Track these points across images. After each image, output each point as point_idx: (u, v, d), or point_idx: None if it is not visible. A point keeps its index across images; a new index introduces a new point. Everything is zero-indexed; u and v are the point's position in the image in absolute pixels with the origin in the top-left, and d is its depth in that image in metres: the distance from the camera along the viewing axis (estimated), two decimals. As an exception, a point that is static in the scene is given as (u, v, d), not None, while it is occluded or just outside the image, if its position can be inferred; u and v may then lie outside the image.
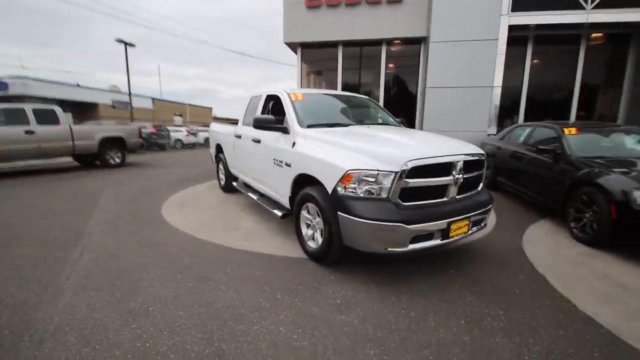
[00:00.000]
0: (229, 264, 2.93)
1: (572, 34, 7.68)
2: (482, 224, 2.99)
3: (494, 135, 7.24)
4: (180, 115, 43.24)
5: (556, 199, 4.14)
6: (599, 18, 6.82)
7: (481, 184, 3.11)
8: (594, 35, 7.62)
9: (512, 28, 7.37)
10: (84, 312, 2.13)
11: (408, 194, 2.50)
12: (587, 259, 3.21)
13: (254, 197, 4.23)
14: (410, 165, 2.42)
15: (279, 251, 3.25)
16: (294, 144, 3.20)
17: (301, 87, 9.47)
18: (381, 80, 8.98)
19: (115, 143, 9.04)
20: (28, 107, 7.48)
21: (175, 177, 7.57)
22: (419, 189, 2.53)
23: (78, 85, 25.59)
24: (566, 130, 4.51)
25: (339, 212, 2.56)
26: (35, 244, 3.32)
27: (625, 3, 6.69)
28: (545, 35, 7.84)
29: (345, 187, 2.53)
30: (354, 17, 8.41)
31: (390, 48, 8.85)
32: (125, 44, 17.51)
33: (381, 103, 8.71)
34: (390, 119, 4.22)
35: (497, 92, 7.63)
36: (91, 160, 9.33)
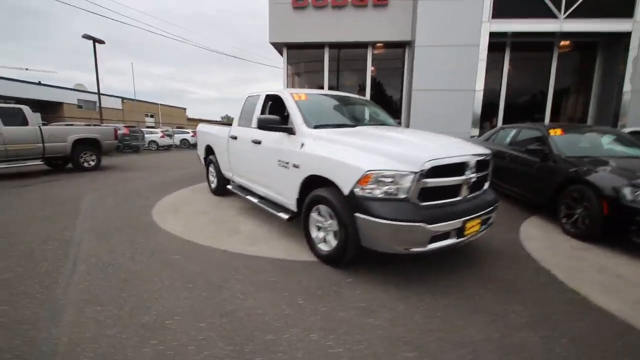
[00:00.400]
0: (239, 270, 2.81)
1: (545, 42, 8.16)
2: (490, 223, 3.07)
3: (477, 137, 7.52)
4: (151, 116, 41.59)
5: (546, 197, 4.34)
6: (571, 27, 7.28)
7: (487, 184, 3.19)
8: (565, 43, 8.13)
9: (491, 35, 7.71)
10: (93, 329, 1.95)
11: (425, 194, 2.51)
12: (582, 253, 3.38)
13: (254, 200, 4.10)
14: (429, 165, 2.44)
15: (288, 255, 3.16)
16: (302, 144, 3.13)
17: (287, 88, 9.36)
18: (367, 82, 9.08)
19: (89, 145, 8.49)
20: (-9, 107, 6.86)
21: (158, 181, 7.21)
22: (435, 188, 2.55)
23: (39, 83, 23.86)
24: (552, 132, 4.76)
25: (356, 214, 2.52)
26: (18, 256, 3.01)
27: (593, 14, 7.19)
28: (521, 42, 8.27)
29: (362, 188, 2.50)
30: (339, 18, 8.45)
31: (375, 51, 8.97)
32: (94, 40, 16.55)
33: (368, 105, 8.79)
34: (390, 119, 4.25)
35: (479, 95, 7.94)
36: (62, 163, 8.70)
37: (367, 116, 4.12)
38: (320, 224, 3.04)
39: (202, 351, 1.77)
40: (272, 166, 3.58)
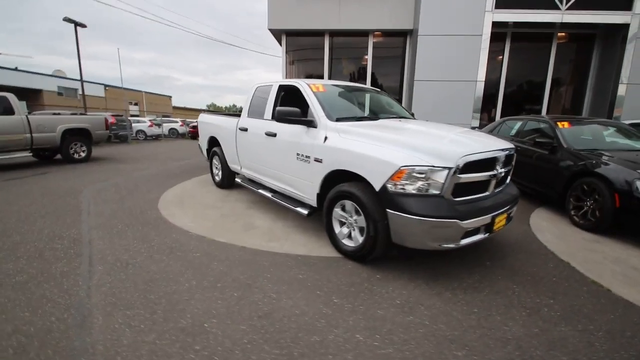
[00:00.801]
0: (265, 268, 2.74)
1: (545, 33, 8.20)
2: (512, 216, 3.09)
3: (478, 128, 7.56)
4: (135, 104, 40.15)
5: (555, 189, 4.41)
6: (572, 19, 7.32)
7: (509, 178, 3.19)
8: (564, 34, 8.19)
9: (493, 25, 7.67)
10: (129, 335, 1.86)
11: (457, 189, 2.48)
12: (594, 245, 3.46)
13: (267, 194, 4.01)
14: (464, 161, 2.41)
15: (309, 251, 3.11)
16: (325, 138, 3.04)
17: (285, 76, 9.15)
18: (368, 71, 8.96)
19: (79, 135, 8.11)
20: (-27, 95, 6.42)
21: (156, 173, 6.99)
22: (466, 184, 2.53)
23: (17, 68, 22.59)
24: (560, 124, 4.81)
25: (388, 210, 2.48)
26: (28, 257, 2.85)
27: (593, 6, 7.24)
28: (521, 33, 8.28)
29: (395, 184, 2.45)
30: (341, 5, 8.23)
31: (377, 39, 8.83)
32: (76, 24, 15.67)
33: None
34: (404, 111, 4.19)
35: (481, 86, 7.96)
36: (50, 155, 8.31)
37: (384, 108, 4.04)
38: (344, 220, 2.99)
39: (250, 356, 1.72)
40: (289, 160, 3.49)
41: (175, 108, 49.48)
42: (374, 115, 3.68)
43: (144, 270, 2.64)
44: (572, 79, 8.70)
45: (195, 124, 21.02)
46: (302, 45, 9.31)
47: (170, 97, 49.97)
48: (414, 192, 2.42)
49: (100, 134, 8.63)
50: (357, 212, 2.82)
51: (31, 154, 7.84)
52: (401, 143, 2.60)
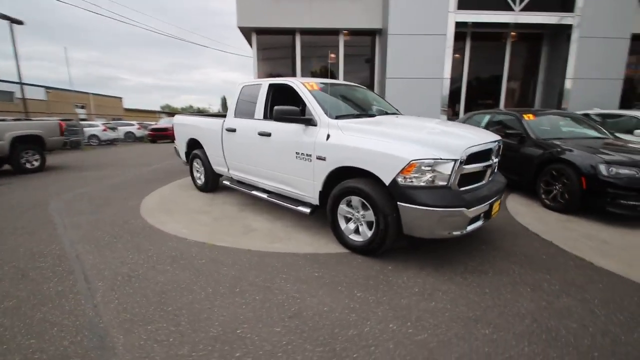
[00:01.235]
0: (278, 269, 2.71)
1: (500, 32, 8.87)
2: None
3: (447, 121, 8.01)
4: (82, 107, 36.90)
5: (526, 176, 4.82)
6: (524, 19, 8.00)
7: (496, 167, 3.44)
8: (516, 33, 8.91)
9: (456, 24, 8.14)
10: (159, 351, 1.75)
11: (461, 180, 2.64)
12: (566, 224, 3.85)
13: (262, 195, 3.94)
14: (467, 152, 2.57)
15: (315, 249, 3.13)
16: (328, 136, 3.06)
17: (257, 75, 8.99)
18: (340, 69, 9.08)
19: (31, 143, 7.33)
20: None
21: (126, 180, 6.53)
22: (467, 174, 2.69)
23: None
24: (525, 116, 5.25)
25: (400, 203, 2.57)
26: (11, 278, 2.55)
27: (542, 7, 7.97)
28: (479, 33, 8.87)
29: (405, 178, 2.55)
30: (312, 3, 8.24)
31: (347, 38, 8.97)
32: (12, 21, 14.05)
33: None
34: (391, 107, 4.33)
35: (447, 83, 8.42)
36: (-5, 165, 7.42)
37: (372, 104, 4.14)
38: (350, 216, 3.04)
39: (295, 356, 1.71)
40: (288, 159, 3.46)
41: (127, 110, 46.21)
42: (368, 112, 3.77)
43: (150, 282, 2.49)
44: (524, 75, 9.51)
45: (155, 126, 19.89)
46: (272, 44, 9.19)
47: (121, 98, 46.64)
48: (423, 184, 2.53)
49: (55, 141, 7.86)
50: (364, 207, 2.88)
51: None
52: (407, 138, 2.70)
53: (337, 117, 3.22)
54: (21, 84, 15.32)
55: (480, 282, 2.50)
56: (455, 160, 2.51)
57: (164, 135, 18.42)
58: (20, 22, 14.65)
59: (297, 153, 3.35)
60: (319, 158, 3.12)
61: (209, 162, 4.97)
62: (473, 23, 8.35)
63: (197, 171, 5.40)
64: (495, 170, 3.38)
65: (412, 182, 2.54)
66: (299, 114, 3.26)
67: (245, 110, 4.17)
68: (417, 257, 2.90)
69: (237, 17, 8.20)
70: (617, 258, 2.93)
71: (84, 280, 2.52)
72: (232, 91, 4.47)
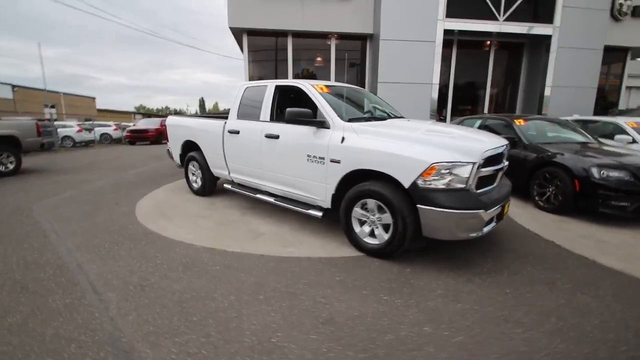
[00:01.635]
0: (297, 274, 2.66)
1: (485, 41, 9.23)
2: (507, 204, 3.44)
3: (437, 126, 8.20)
4: (52, 107, 34.95)
5: (519, 178, 5.01)
6: (507, 29, 8.37)
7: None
8: (500, 42, 9.30)
9: (444, 32, 8.39)
10: (195, 364, 1.66)
11: (477, 182, 2.70)
12: (562, 224, 4.02)
13: (268, 199, 3.86)
14: (485, 155, 2.63)
15: (329, 252, 3.09)
16: (343, 138, 3.04)
17: (248, 77, 8.86)
18: (331, 73, 9.12)
19: (5, 144, 6.83)
20: None
21: (112, 184, 6.21)
22: (482, 177, 2.76)
23: None
24: (517, 122, 5.47)
25: (420, 205, 2.59)
26: (9, 291, 2.34)
27: (524, 18, 8.38)
28: (465, 40, 9.19)
29: (425, 180, 2.57)
30: (304, 6, 8.24)
31: (339, 41, 9.03)
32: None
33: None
34: (395, 111, 4.38)
35: (435, 88, 8.64)
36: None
37: (377, 107, 4.16)
38: (364, 219, 3.03)
39: (338, 364, 1.67)
40: (298, 162, 3.41)
41: (100, 110, 44.21)
42: (376, 115, 3.79)
43: (167, 291, 2.36)
44: (506, 82, 9.94)
45: (133, 127, 19.13)
46: (263, 46, 9.09)
47: (94, 98, 44.59)
48: (442, 187, 2.57)
49: (32, 142, 7.38)
50: (379, 210, 2.88)
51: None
52: (426, 141, 2.73)
53: (350, 120, 3.22)
54: (-14, 81, 14.27)
55: (498, 282, 2.56)
56: (474, 163, 2.56)
57: (144, 137, 17.78)
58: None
59: (308, 156, 3.31)
60: (333, 161, 3.10)
61: (207, 165, 4.82)
62: (459, 31, 8.63)
63: (193, 174, 5.23)
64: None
65: (431, 184, 2.57)
66: (313, 117, 3.22)
67: (249, 112, 4.08)
68: (432, 259, 2.93)
69: (228, 17, 8.06)
70: (615, 256, 3.09)
71: (92, 291, 2.35)
72: (234, 92, 4.36)
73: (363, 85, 9.33)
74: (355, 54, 9.43)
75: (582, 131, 5.65)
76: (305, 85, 3.55)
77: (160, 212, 4.29)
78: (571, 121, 7.14)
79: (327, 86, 3.69)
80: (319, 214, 3.34)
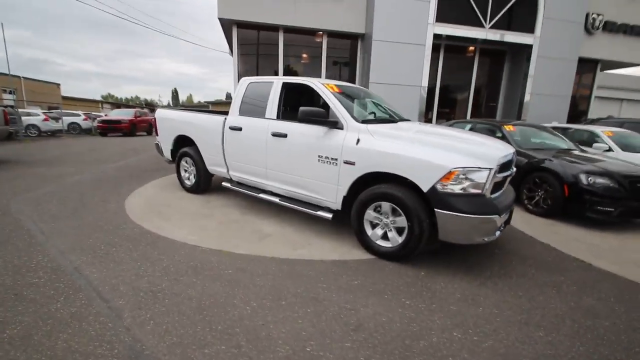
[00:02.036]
0: (314, 278, 2.60)
1: (470, 46, 9.52)
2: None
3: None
4: (11, 92, 32.14)
5: (514, 183, 5.21)
6: (493, 36, 8.68)
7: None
8: (484, 49, 9.63)
9: (433, 36, 8.56)
10: (231, 377, 1.57)
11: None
12: (552, 227, 4.23)
13: (273, 199, 3.76)
14: (500, 161, 2.70)
15: (340, 255, 3.06)
16: (358, 140, 3.01)
17: (238, 71, 8.59)
18: (322, 71, 9.05)
19: (-33, 132, 6.20)
20: None
21: (93, 179, 5.81)
22: (495, 183, 2.83)
23: None
24: (506, 127, 5.69)
25: (438, 210, 2.62)
26: (3, 299, 2.11)
27: (508, 27, 8.72)
28: (452, 45, 9.43)
29: (444, 185, 2.60)
30: (297, 1, 8.10)
31: (331, 39, 8.97)
32: None
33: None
34: (400, 113, 4.39)
35: (424, 91, 8.82)
36: None
37: (387, 110, 4.15)
38: (377, 221, 3.03)
39: (380, 373, 1.64)
40: (308, 162, 3.34)
41: (65, 98, 41.34)
42: (386, 117, 3.79)
43: (182, 297, 2.23)
44: (489, 87, 10.32)
45: (106, 117, 18.06)
46: (252, 40, 8.84)
47: (59, 85, 41.63)
48: (460, 192, 2.60)
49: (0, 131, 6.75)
50: (393, 213, 2.89)
51: None
52: (444, 146, 2.75)
53: (364, 122, 3.19)
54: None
55: (510, 285, 2.64)
56: (491, 169, 2.62)
57: (117, 128, 16.84)
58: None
59: (319, 156, 3.25)
60: (347, 162, 3.06)
61: (202, 161, 4.62)
62: (447, 36, 8.84)
63: (186, 171, 5.00)
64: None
65: (450, 189, 2.60)
66: (326, 116, 3.16)
67: (253, 109, 3.94)
68: (443, 263, 2.97)
69: (218, 7, 7.75)
70: (607, 259, 3.28)
71: (98, 298, 2.18)
72: (236, 88, 4.20)
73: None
74: (346, 53, 9.41)
75: (565, 138, 5.97)
76: (316, 84, 3.48)
77: (154, 211, 4.06)
78: (550, 128, 7.56)
79: (337, 86, 3.63)
80: (329, 215, 3.30)
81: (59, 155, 8.77)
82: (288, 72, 9.06)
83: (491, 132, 5.84)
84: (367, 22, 8.56)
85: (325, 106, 3.33)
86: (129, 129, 16.81)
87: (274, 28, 8.50)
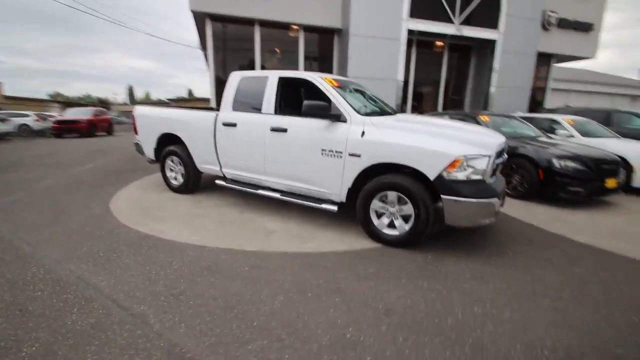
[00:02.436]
0: (330, 269, 2.65)
1: (440, 42, 9.93)
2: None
3: (402, 120, 8.65)
4: (-61, 92, 28.46)
5: (488, 169, 5.57)
6: (463, 32, 9.11)
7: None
8: (452, 44, 10.09)
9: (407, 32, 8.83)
10: (282, 369, 1.58)
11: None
12: (531, 208, 4.59)
13: (274, 195, 3.73)
14: (498, 149, 2.89)
15: (348, 245, 3.13)
16: (363, 132, 3.07)
17: (213, 66, 8.31)
18: (300, 66, 9.00)
19: None
20: None
21: (65, 183, 5.39)
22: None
23: None
24: (482, 118, 6.06)
25: (444, 196, 2.76)
26: (7, 317, 1.93)
27: (475, 23, 9.21)
28: (423, 41, 9.78)
29: (449, 173, 2.75)
30: (273, -6, 7.96)
31: (307, 34, 8.93)
32: None
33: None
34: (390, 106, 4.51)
35: (400, 85, 9.08)
36: None
37: (381, 103, 4.24)
38: (383, 211, 3.12)
39: (421, 350, 1.73)
40: (311, 156, 3.35)
41: (8, 98, 37.43)
42: (387, 110, 3.91)
43: (206, 297, 2.17)
44: (457, 81, 10.85)
45: (60, 118, 16.63)
46: (227, 34, 8.57)
47: (1, 83, 37.57)
48: (464, 178, 2.76)
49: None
50: (400, 202, 3.00)
51: None
52: (447, 136, 2.90)
53: (366, 115, 3.26)
54: None
55: (509, 262, 2.86)
56: (490, 156, 2.80)
57: (73, 129, 15.59)
58: None
59: (323, 150, 3.28)
60: (353, 155, 3.11)
61: (191, 160, 4.46)
62: (418, 31, 9.15)
63: (172, 170, 4.79)
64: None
65: (454, 176, 2.75)
66: (329, 110, 3.19)
67: (248, 104, 3.87)
68: (446, 246, 3.13)
69: (190, -1, 7.43)
70: (585, 234, 3.62)
71: (116, 306, 2.06)
72: (228, 82, 4.08)
73: (331, 79, 9.39)
74: (323, 47, 9.43)
75: (532, 126, 6.46)
76: (316, 78, 3.49)
77: (145, 213, 3.87)
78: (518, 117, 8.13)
79: (335, 80, 3.66)
80: (334, 208, 3.34)
81: (16, 159, 7.99)
82: (264, 67, 8.91)
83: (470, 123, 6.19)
84: (343, 17, 8.62)
85: (327, 100, 3.36)
86: (88, 130, 15.64)
87: (250, 22, 8.30)
